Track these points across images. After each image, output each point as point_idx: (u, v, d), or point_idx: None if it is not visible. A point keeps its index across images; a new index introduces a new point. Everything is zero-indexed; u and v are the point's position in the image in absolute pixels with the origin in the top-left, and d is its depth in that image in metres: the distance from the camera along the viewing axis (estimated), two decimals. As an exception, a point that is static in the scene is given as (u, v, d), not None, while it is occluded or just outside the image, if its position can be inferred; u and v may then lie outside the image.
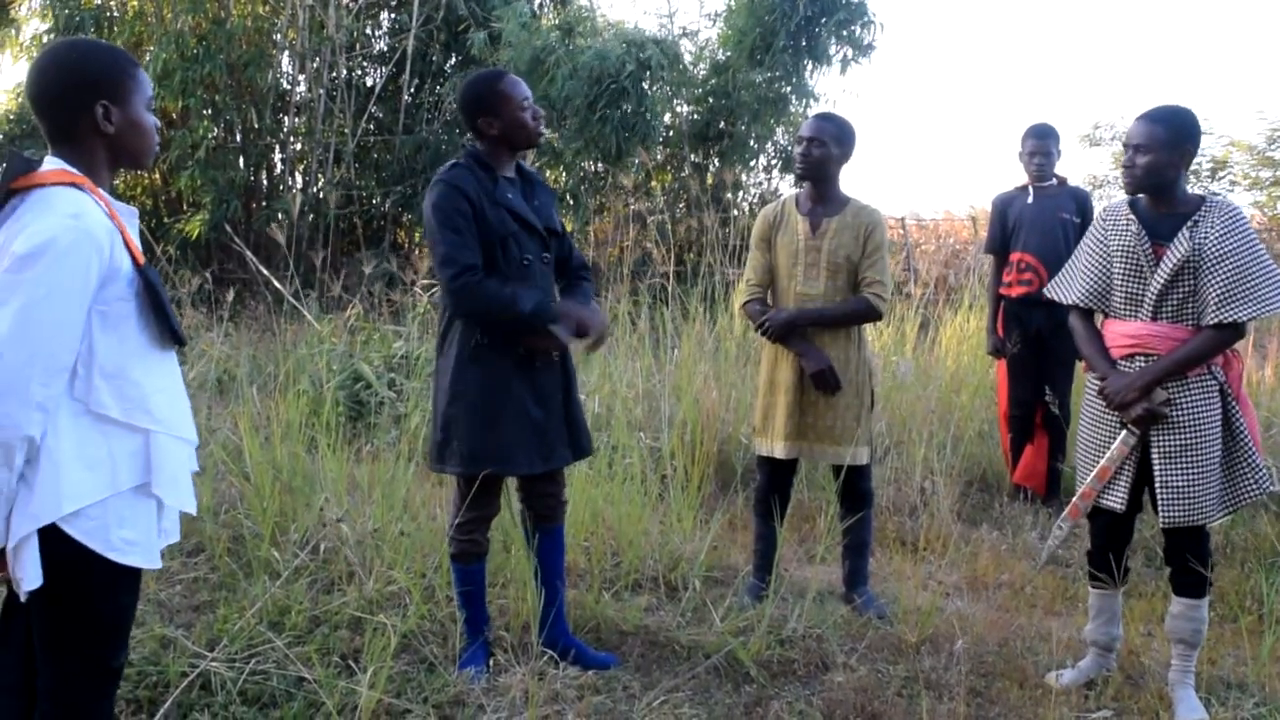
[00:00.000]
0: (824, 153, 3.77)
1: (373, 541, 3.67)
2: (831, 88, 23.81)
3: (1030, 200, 5.23)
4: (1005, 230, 5.32)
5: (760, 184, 12.18)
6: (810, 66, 11.21)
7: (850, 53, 11.15)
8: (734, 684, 3.22)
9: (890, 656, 3.43)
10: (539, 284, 3.09)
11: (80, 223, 1.83)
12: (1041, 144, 5.21)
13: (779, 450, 3.80)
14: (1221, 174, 16.86)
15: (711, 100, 11.63)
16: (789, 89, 11.28)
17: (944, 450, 5.31)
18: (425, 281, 7.34)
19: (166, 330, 1.98)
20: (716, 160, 11.75)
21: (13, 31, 11.49)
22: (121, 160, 2.03)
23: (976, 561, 4.41)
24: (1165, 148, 2.98)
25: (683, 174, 11.75)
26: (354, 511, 3.90)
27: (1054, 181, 5.26)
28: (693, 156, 11.72)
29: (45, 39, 11.08)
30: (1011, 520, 5.07)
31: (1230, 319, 2.91)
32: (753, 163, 11.89)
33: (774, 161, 11.87)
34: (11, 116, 11.46)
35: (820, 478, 5.16)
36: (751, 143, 11.55)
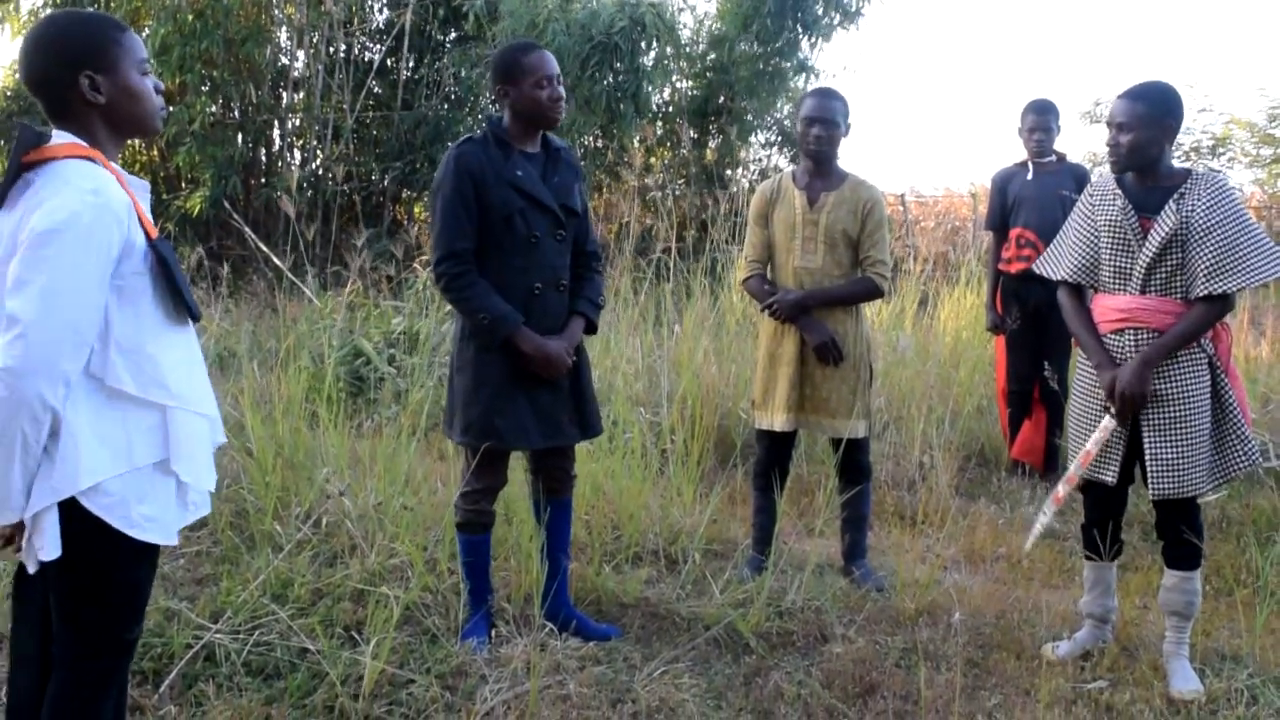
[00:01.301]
0: (834, 133, 3.78)
1: (375, 515, 3.69)
2: (831, 62, 23.78)
3: (1030, 176, 5.23)
4: (1005, 206, 5.32)
5: (759, 160, 12.16)
6: (802, 37, 11.20)
7: (836, 18, 11.12)
8: (733, 655, 3.25)
9: (888, 628, 3.46)
10: (550, 261, 3.10)
11: (100, 198, 1.82)
12: (1041, 119, 5.20)
13: (779, 423, 3.82)
14: (1222, 151, 16.82)
15: (710, 75, 11.60)
16: (786, 63, 11.25)
17: (943, 425, 5.34)
18: (426, 257, 7.34)
19: (181, 304, 1.97)
20: (716, 135, 11.73)
21: (12, 7, 11.40)
22: (124, 129, 2.00)
23: (974, 535, 4.44)
24: (1148, 124, 2.98)
25: (682, 149, 11.72)
26: (356, 486, 3.93)
27: (1054, 158, 5.26)
28: (692, 132, 11.68)
29: (43, 14, 11.01)
30: (1009, 495, 5.10)
31: (1220, 290, 2.92)
32: (751, 138, 11.86)
33: (774, 138, 11.84)
34: (9, 93, 11.40)
35: (819, 452, 5.18)
36: (750, 118, 11.52)
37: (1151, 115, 2.98)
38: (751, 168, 12.17)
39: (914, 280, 7.64)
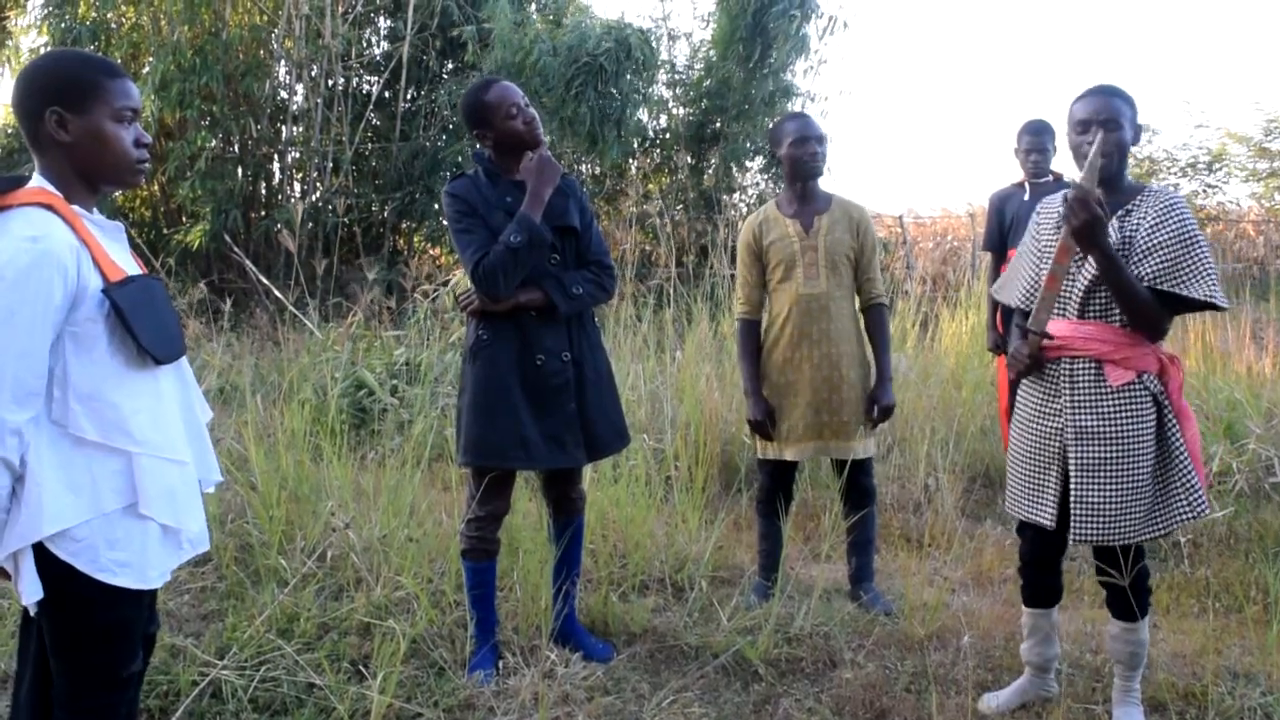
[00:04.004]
0: (825, 150, 3.82)
1: (380, 548, 3.68)
2: (826, 86, 23.93)
3: (1027, 197, 5.25)
4: (1003, 227, 5.33)
5: (756, 184, 12.22)
6: (795, 60, 11.31)
7: (798, 45, 11.25)
8: (742, 683, 3.23)
9: (898, 652, 3.44)
10: (543, 284, 3.13)
11: (39, 245, 1.79)
12: (1037, 140, 5.22)
13: (790, 454, 3.81)
14: (1218, 166, 16.89)
15: (705, 101, 11.69)
16: (774, 88, 11.35)
17: (947, 447, 5.33)
18: (425, 287, 7.37)
19: (144, 350, 1.93)
20: (710, 161, 11.81)
21: (12, 44, 11.49)
22: (91, 175, 1.97)
23: (981, 557, 4.42)
24: (1131, 124, 2.72)
25: (680, 176, 11.78)
26: (360, 518, 3.92)
27: (1051, 178, 5.28)
28: (689, 158, 11.76)
29: (42, 52, 11.08)
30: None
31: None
32: (747, 163, 11.93)
33: (767, 163, 11.91)
34: (9, 130, 11.48)
35: (824, 476, 5.17)
36: (746, 143, 11.60)
37: (1133, 114, 2.72)
38: (750, 192, 12.23)
39: (914, 302, 7.65)
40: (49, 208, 1.86)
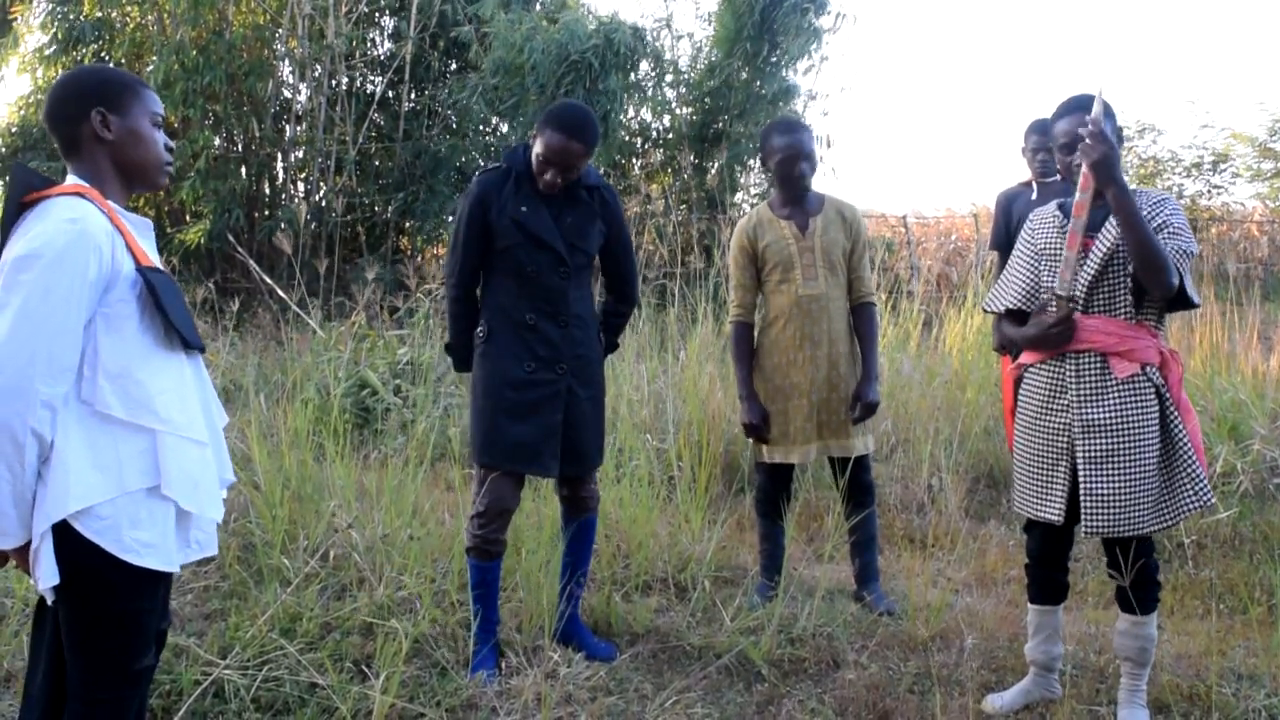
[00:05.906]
0: (814, 164, 3.88)
1: (382, 547, 3.68)
2: (828, 84, 23.86)
3: (1034, 197, 5.22)
4: (1009, 227, 5.30)
5: (760, 184, 12.20)
6: (798, 59, 11.29)
7: (806, 41, 11.22)
8: (745, 683, 3.23)
9: (901, 653, 3.44)
10: (548, 295, 3.16)
11: (77, 226, 1.87)
12: (1044, 139, 5.20)
13: (794, 456, 3.80)
14: (1223, 167, 16.83)
15: (708, 101, 11.67)
16: (776, 87, 11.33)
17: (950, 447, 5.32)
18: (428, 287, 7.37)
19: (172, 331, 2.01)
20: (717, 161, 11.79)
21: (17, 44, 11.49)
22: (129, 173, 2.08)
23: (985, 557, 4.41)
24: (1112, 128, 2.79)
25: (684, 175, 11.77)
26: (363, 518, 3.92)
27: (1057, 178, 5.26)
28: (693, 158, 11.74)
29: (47, 51, 11.10)
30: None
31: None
32: (751, 163, 11.92)
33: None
34: (14, 129, 11.48)
35: (827, 476, 5.17)
36: (749, 143, 11.60)
37: (1111, 122, 2.79)
38: (752, 191, 12.22)
39: (917, 302, 7.64)
40: (85, 197, 1.96)
